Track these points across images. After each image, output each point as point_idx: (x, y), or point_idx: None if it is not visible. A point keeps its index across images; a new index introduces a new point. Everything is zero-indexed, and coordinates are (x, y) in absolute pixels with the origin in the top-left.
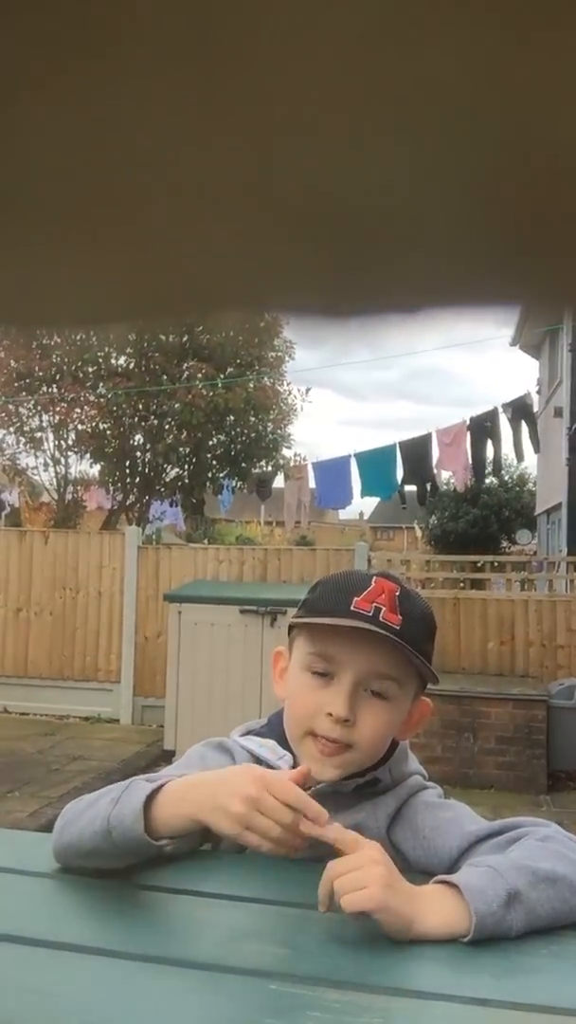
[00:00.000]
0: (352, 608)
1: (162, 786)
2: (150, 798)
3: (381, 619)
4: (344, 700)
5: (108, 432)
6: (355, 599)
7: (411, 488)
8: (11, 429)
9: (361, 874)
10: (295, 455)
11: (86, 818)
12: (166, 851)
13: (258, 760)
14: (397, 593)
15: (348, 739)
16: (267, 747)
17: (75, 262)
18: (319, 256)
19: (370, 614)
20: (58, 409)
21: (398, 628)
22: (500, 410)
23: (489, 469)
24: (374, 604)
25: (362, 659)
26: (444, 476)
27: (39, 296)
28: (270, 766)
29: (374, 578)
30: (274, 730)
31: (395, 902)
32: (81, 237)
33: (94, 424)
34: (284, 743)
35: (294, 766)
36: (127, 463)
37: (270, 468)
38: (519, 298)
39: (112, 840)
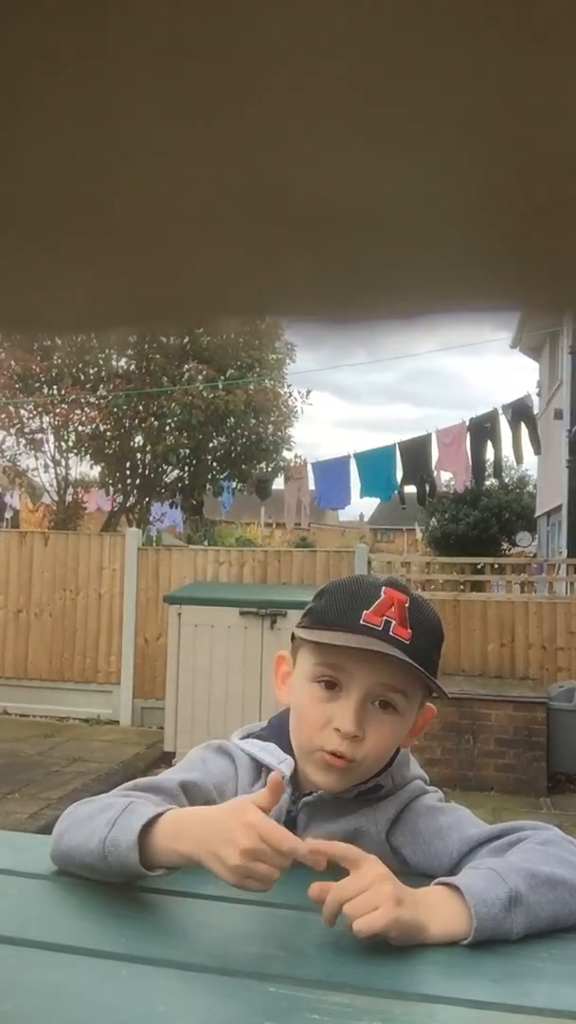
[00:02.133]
0: (362, 622)
1: (160, 815)
2: (147, 826)
3: (391, 633)
4: (353, 716)
5: (108, 434)
6: (364, 612)
7: (411, 489)
8: (12, 431)
9: (371, 894)
10: (295, 456)
11: (84, 833)
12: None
13: (259, 764)
14: (407, 604)
15: (354, 754)
16: (268, 751)
17: (77, 269)
18: (319, 263)
19: (380, 628)
20: (58, 411)
21: (408, 642)
22: (500, 411)
23: (489, 471)
24: (384, 617)
25: (371, 673)
26: (444, 478)
27: (42, 302)
28: (272, 770)
29: (383, 588)
30: (275, 733)
31: (407, 917)
32: (82, 245)
33: (94, 426)
34: (285, 746)
35: (295, 771)
36: (127, 465)
37: (270, 469)
38: (517, 304)
39: (108, 863)
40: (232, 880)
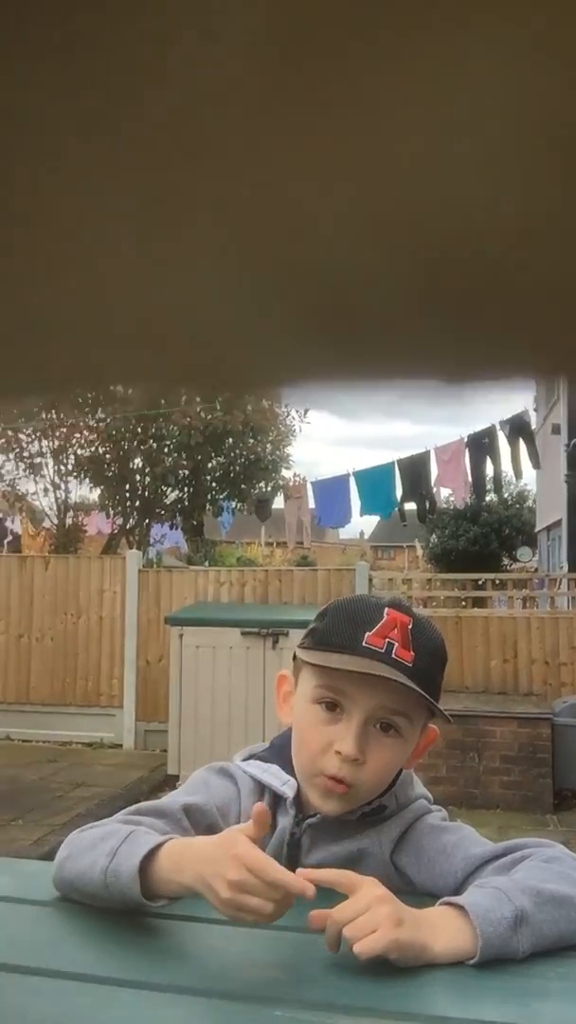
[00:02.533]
0: (364, 644)
1: (161, 844)
2: (148, 855)
3: (394, 656)
4: (354, 740)
5: (107, 456)
6: (367, 633)
7: (411, 506)
8: (11, 455)
9: (370, 916)
10: (294, 475)
11: (86, 861)
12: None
13: (262, 785)
14: (410, 626)
15: (355, 778)
16: (270, 772)
17: (76, 333)
18: (316, 336)
19: (382, 651)
20: (57, 434)
21: (410, 665)
22: (498, 427)
23: (489, 487)
24: (387, 639)
25: (373, 696)
26: (444, 494)
27: (44, 362)
28: (275, 792)
29: (386, 609)
30: (277, 754)
31: (407, 938)
32: (84, 311)
33: (93, 448)
34: (287, 767)
35: (298, 792)
36: (127, 487)
37: (269, 489)
38: (526, 373)
39: (109, 892)
40: (226, 913)
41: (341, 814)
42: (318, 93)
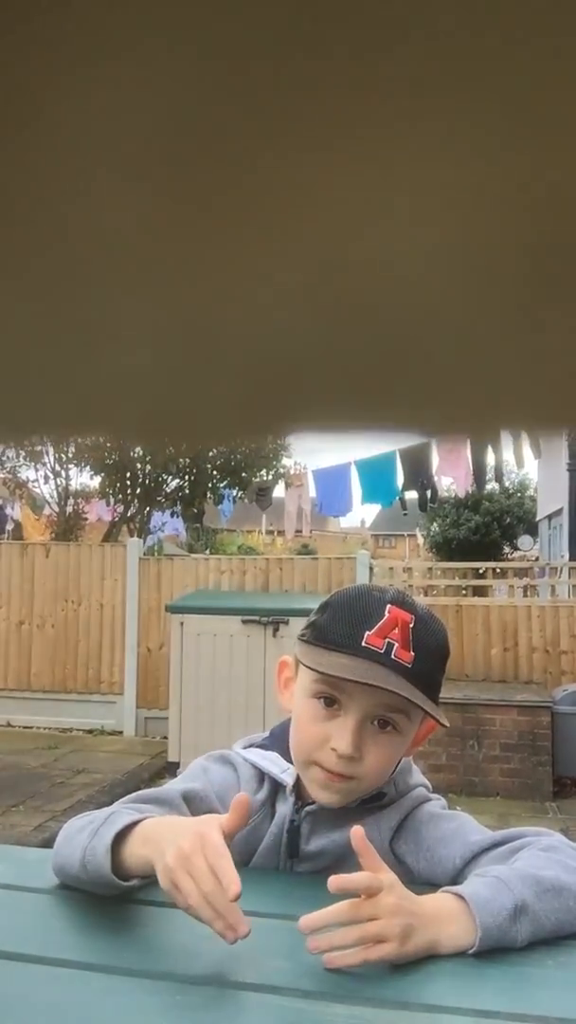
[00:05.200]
0: (363, 644)
1: (138, 822)
2: (124, 834)
3: (393, 656)
4: (350, 738)
5: (108, 444)
6: (367, 633)
7: (412, 495)
8: (11, 442)
9: (381, 925)
10: (295, 463)
11: (73, 844)
12: (135, 887)
13: (262, 773)
14: (411, 624)
15: (352, 773)
16: (270, 759)
17: (69, 384)
18: (317, 389)
19: (381, 651)
20: None
21: (409, 666)
22: None
23: (490, 475)
24: (386, 640)
25: (371, 696)
26: (445, 483)
27: (35, 406)
28: (275, 779)
29: (388, 606)
30: (277, 742)
31: (410, 951)
32: (77, 362)
33: (92, 439)
34: (287, 755)
35: (298, 780)
36: (127, 474)
37: (270, 477)
38: (525, 423)
39: (87, 873)
40: (163, 881)
41: (338, 807)
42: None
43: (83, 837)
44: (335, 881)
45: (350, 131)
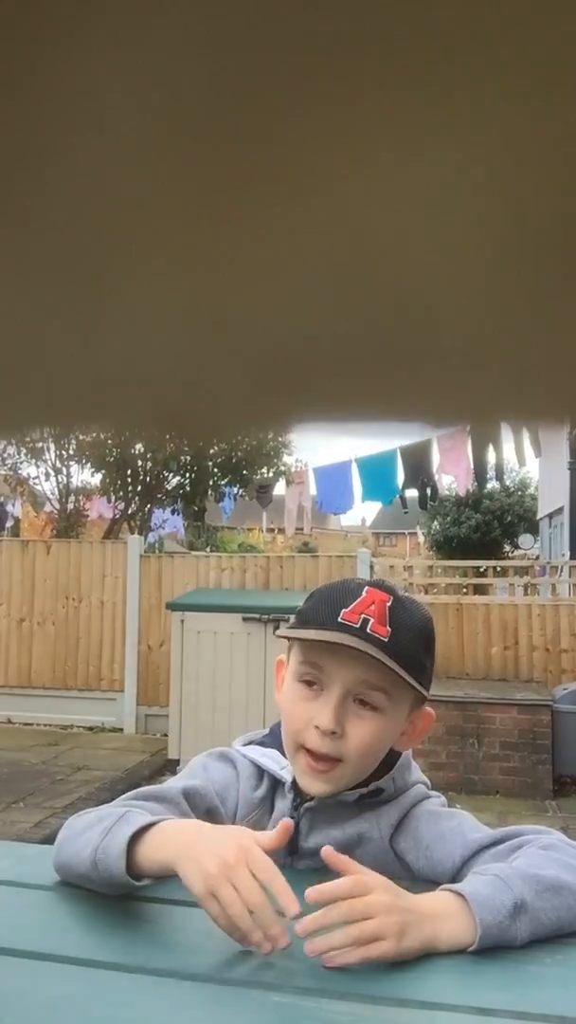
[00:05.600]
0: (340, 620)
1: (153, 824)
2: (138, 835)
3: (368, 631)
4: (331, 712)
5: (109, 441)
6: (343, 610)
7: (412, 493)
8: (12, 439)
9: (377, 924)
10: (296, 461)
11: (81, 841)
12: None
13: (261, 770)
14: (388, 603)
15: (337, 752)
16: (269, 756)
17: (71, 375)
18: (319, 381)
19: (357, 626)
20: None
21: (386, 640)
22: None
23: (491, 474)
24: (362, 615)
25: (349, 670)
26: (446, 481)
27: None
28: (274, 776)
29: (366, 588)
30: (276, 739)
31: (408, 949)
32: (83, 354)
33: (95, 433)
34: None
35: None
36: (128, 472)
37: (271, 474)
38: (524, 415)
39: (98, 872)
40: (199, 888)
41: (332, 795)
42: (282, 169)
43: (93, 835)
44: (312, 893)
45: (361, 123)
